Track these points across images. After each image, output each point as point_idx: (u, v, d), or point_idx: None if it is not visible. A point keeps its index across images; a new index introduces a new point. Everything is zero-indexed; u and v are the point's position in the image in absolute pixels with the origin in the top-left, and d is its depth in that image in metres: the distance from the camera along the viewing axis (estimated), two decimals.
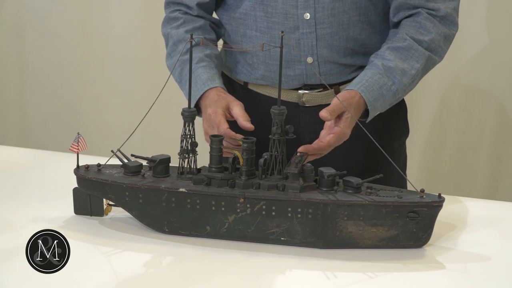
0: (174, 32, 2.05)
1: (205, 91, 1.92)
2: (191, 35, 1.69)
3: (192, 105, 1.93)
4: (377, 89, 1.87)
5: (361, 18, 1.98)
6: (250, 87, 2.10)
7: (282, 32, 1.65)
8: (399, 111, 2.15)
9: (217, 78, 1.96)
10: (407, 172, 2.19)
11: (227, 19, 2.07)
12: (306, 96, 2.03)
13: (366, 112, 1.88)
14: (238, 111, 1.85)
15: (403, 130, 2.20)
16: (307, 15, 1.95)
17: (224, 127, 1.80)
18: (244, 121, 1.83)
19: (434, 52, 1.94)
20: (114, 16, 3.52)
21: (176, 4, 2.09)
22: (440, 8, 1.94)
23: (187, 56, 1.96)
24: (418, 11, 1.94)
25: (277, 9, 1.96)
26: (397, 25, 1.99)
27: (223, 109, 1.85)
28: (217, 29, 2.11)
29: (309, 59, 1.98)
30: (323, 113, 1.76)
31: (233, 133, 1.78)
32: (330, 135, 1.78)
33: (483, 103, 3.28)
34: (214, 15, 2.13)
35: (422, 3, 1.94)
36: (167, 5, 2.12)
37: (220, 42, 2.16)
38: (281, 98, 1.73)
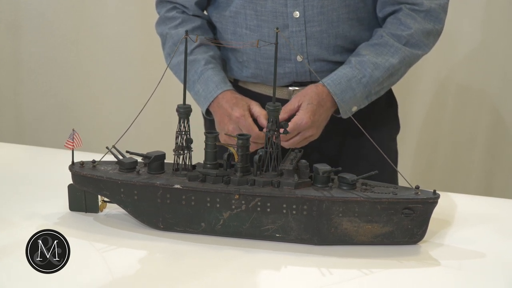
0: (174, 32, 2.04)
1: (220, 93, 1.94)
2: (186, 32, 1.69)
3: (204, 108, 1.95)
4: (345, 82, 1.90)
5: (350, 16, 1.98)
6: (240, 84, 2.11)
7: (277, 28, 1.66)
8: (389, 107, 2.16)
9: (228, 81, 2.00)
10: (399, 169, 2.19)
11: (217, 17, 2.07)
12: (297, 93, 2.03)
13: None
14: (260, 110, 1.90)
15: (394, 126, 2.21)
16: (297, 14, 1.95)
17: (256, 131, 1.87)
18: (265, 119, 1.87)
19: (415, 47, 1.96)
20: (109, 14, 3.51)
21: (170, 3, 2.08)
22: (423, 2, 1.95)
23: (192, 57, 1.98)
24: (400, 7, 1.97)
25: (266, 8, 1.96)
26: (383, 20, 2.02)
27: (248, 111, 1.90)
28: (213, 28, 2.11)
29: (299, 57, 1.98)
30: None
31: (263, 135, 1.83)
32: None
33: (476, 101, 3.29)
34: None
35: None
36: (159, 3, 2.11)
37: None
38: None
